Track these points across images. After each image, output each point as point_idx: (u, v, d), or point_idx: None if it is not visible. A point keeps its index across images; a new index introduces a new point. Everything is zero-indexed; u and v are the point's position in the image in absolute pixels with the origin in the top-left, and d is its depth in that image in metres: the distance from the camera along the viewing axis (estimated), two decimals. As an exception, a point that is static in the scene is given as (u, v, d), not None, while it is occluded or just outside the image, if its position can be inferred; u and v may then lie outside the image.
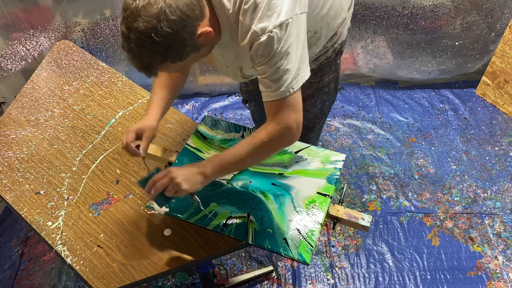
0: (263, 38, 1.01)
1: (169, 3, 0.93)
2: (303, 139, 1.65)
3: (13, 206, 1.35)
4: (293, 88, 1.08)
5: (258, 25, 1.01)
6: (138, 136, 1.22)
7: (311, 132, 1.67)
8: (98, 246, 1.25)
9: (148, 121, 1.24)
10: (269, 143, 1.12)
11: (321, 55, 1.43)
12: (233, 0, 1.04)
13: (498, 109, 2.56)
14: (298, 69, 1.08)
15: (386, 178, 2.24)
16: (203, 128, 1.44)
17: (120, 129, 1.57)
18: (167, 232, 1.26)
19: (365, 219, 1.19)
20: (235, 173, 1.30)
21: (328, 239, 2.02)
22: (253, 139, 1.12)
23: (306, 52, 1.12)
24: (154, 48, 0.96)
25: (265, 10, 1.01)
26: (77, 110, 1.65)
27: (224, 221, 1.18)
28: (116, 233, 1.27)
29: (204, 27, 1.01)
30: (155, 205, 1.21)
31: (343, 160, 1.33)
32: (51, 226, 1.29)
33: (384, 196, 2.16)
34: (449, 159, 2.32)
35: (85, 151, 1.50)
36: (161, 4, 0.93)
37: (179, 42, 0.97)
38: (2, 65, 2.22)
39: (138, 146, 1.21)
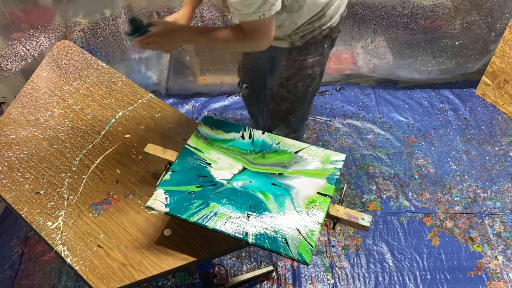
0: None
1: None
2: (283, 121, 1.75)
3: (13, 206, 1.35)
4: (264, 14, 1.24)
5: None
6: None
7: (291, 116, 1.74)
8: (98, 246, 1.25)
9: (180, 14, 1.48)
10: (238, 44, 1.39)
11: (307, 33, 1.49)
12: None
13: (498, 109, 2.56)
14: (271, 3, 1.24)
15: (386, 178, 2.24)
16: (203, 128, 1.44)
17: (120, 129, 1.57)
18: (167, 232, 1.26)
19: (365, 219, 1.19)
20: (235, 172, 1.30)
21: (328, 239, 2.02)
22: (229, 35, 1.34)
23: None
24: None
25: None
26: (77, 110, 1.65)
27: (224, 221, 1.18)
28: (116, 233, 1.27)
29: None
30: (155, 205, 1.21)
31: (343, 160, 1.33)
32: (51, 226, 1.29)
33: (384, 196, 2.16)
34: (449, 159, 2.32)
35: (85, 151, 1.51)
36: None
37: None
38: (2, 65, 2.22)
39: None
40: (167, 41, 1.33)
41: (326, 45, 1.56)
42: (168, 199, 1.23)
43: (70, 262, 1.21)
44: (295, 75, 1.60)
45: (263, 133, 1.42)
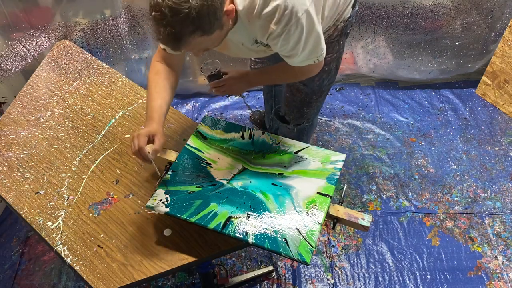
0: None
1: None
2: (298, 111, 1.77)
3: (13, 206, 1.35)
4: (318, 59, 1.32)
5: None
6: (150, 140, 1.24)
7: (306, 107, 1.75)
8: (98, 246, 1.25)
9: (155, 126, 1.26)
10: (294, 80, 1.52)
11: (324, 32, 1.48)
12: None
13: (498, 109, 2.56)
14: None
15: (386, 178, 2.24)
16: (203, 128, 1.44)
17: (120, 129, 1.57)
18: (167, 232, 1.26)
19: (365, 219, 1.19)
20: (235, 173, 1.30)
21: (328, 239, 2.02)
22: (287, 75, 1.46)
23: None
24: (188, 16, 1.01)
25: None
26: (77, 110, 1.65)
27: (224, 221, 1.18)
28: (116, 233, 1.27)
29: (229, 5, 1.10)
30: (155, 205, 1.21)
31: (343, 160, 1.33)
32: (51, 226, 1.29)
33: (384, 196, 2.16)
34: (449, 159, 2.32)
35: (85, 151, 1.51)
36: None
37: (211, 11, 1.04)
38: (2, 65, 2.22)
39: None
40: (237, 85, 1.49)
41: (341, 42, 1.59)
42: (168, 199, 1.23)
43: (70, 262, 1.21)
44: None
45: (263, 133, 1.42)
